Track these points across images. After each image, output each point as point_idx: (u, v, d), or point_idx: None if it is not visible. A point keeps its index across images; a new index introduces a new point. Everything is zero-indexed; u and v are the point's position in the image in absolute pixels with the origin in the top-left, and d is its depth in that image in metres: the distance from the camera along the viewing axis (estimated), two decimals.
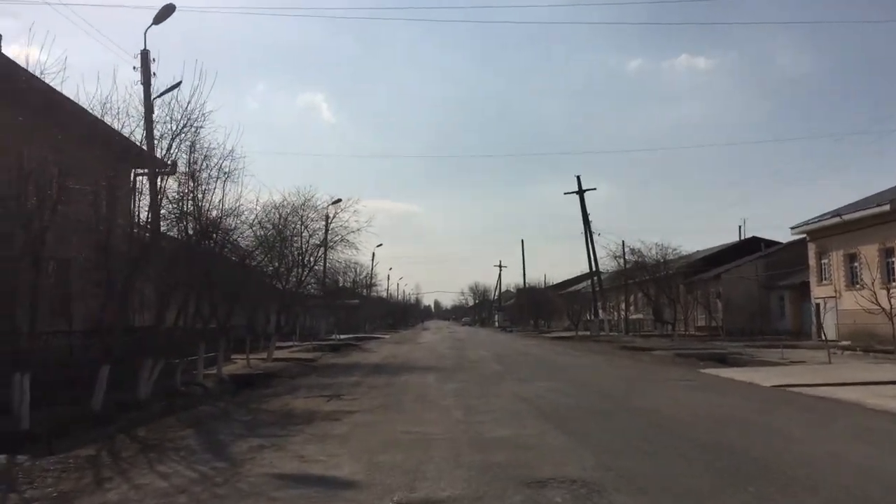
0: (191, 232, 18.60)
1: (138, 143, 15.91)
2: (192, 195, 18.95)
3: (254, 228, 25.56)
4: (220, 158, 18.66)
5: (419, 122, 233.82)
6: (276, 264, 28.98)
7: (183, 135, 16.70)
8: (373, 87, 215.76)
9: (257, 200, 28.07)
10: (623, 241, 54.95)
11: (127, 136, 15.28)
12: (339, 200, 34.78)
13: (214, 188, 19.07)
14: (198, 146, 18.25)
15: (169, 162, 18.38)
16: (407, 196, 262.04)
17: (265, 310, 32.76)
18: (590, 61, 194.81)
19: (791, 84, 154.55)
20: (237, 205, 19.79)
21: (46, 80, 12.88)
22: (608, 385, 17.17)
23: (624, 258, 54.56)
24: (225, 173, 19.14)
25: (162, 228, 17.43)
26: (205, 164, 18.61)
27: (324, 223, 33.00)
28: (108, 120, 14.80)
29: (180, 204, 18.95)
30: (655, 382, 17.89)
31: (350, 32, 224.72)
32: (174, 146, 15.61)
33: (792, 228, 43.26)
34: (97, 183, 14.72)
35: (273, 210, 28.83)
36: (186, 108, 16.32)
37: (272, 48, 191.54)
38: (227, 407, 15.46)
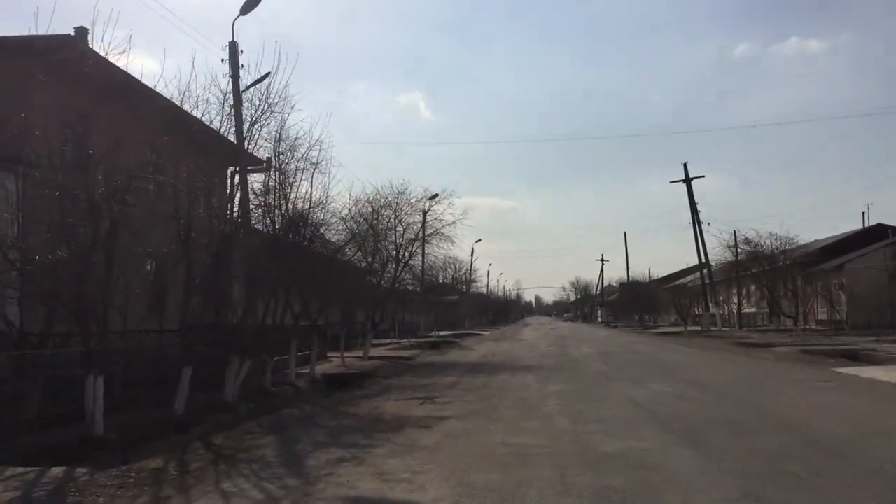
0: (277, 225, 17.87)
1: (223, 134, 15.12)
2: (279, 187, 18.28)
3: (346, 222, 24.79)
4: (307, 148, 17.81)
5: (519, 118, 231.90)
6: (370, 259, 28.15)
7: (263, 121, 15.96)
8: (473, 86, 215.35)
9: (350, 193, 27.32)
10: (735, 231, 51.92)
11: (214, 127, 14.51)
12: (436, 195, 33.67)
13: (300, 179, 18.24)
14: (283, 135, 17.54)
15: (264, 158, 17.79)
16: (505, 192, 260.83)
17: (361, 307, 32.03)
18: (696, 49, 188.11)
19: None
20: (324, 197, 18.84)
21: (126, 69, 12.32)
22: (732, 388, 15.29)
23: (736, 248, 51.50)
24: (312, 164, 18.27)
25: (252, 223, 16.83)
26: (291, 154, 17.83)
27: (419, 217, 31.95)
28: (194, 111, 14.12)
29: (266, 196, 18.29)
30: (786, 384, 15.89)
31: (451, 31, 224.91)
32: (255, 132, 14.64)
33: None
34: (178, 175, 14.03)
35: (365, 204, 28.02)
36: (266, 93, 15.55)
37: (373, 48, 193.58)
38: (313, 410, 14.52)
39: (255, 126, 15.00)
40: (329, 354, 26.32)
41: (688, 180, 55.27)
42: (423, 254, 36.52)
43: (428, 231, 33.28)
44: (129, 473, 8.31)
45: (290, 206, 18.07)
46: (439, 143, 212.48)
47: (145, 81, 13.68)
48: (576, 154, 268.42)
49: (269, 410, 14.50)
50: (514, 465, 8.11)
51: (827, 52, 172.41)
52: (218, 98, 14.78)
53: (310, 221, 18.84)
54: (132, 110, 13.11)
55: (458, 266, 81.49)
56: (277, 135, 17.41)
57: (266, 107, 16.54)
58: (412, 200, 31.35)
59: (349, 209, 25.59)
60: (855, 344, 29.30)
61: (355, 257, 25.72)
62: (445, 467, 8.13)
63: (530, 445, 9.26)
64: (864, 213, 66.61)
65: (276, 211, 17.94)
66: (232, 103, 16.44)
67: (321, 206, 18.88)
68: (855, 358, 24.18)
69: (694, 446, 8.67)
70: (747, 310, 60.41)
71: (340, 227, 23.85)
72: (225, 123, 14.76)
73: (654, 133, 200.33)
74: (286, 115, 16.32)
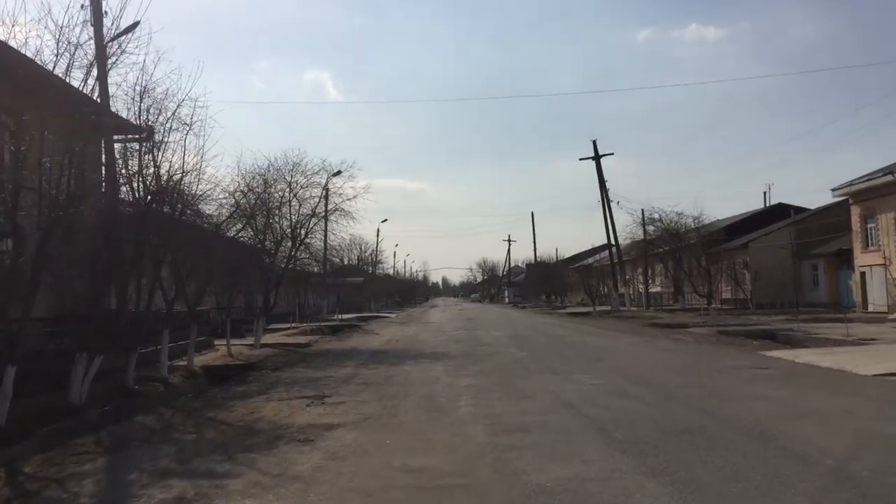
0: (140, 194, 15.01)
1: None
2: (143, 149, 15.45)
3: (233, 195, 21.86)
4: (177, 104, 14.95)
5: (428, 99, 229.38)
6: (261, 237, 25.26)
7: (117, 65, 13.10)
8: (382, 66, 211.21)
9: (238, 166, 24.35)
10: (643, 210, 51.06)
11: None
12: (339, 172, 30.73)
13: (168, 140, 15.37)
14: (148, 88, 14.66)
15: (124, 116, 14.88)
16: (414, 174, 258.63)
17: (250, 288, 29.09)
18: (600, 35, 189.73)
19: (805, 53, 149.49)
20: (199, 162, 15.96)
21: None
22: (668, 379, 13.32)
23: (644, 227, 50.69)
24: (185, 124, 15.40)
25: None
26: (158, 112, 14.96)
27: (317, 191, 29.04)
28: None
29: (127, 162, 15.42)
30: (723, 373, 14.13)
31: (359, 8, 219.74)
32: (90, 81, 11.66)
33: (833, 190, 39.42)
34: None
35: (255, 177, 25.07)
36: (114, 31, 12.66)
37: (277, 26, 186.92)
38: (174, 416, 11.83)
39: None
40: (218, 343, 23.41)
41: (597, 157, 54.21)
42: (326, 232, 33.65)
43: (328, 207, 30.41)
44: None
45: (156, 171, 15.26)
46: (341, 120, 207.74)
47: None
48: (484, 136, 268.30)
49: (121, 416, 11.78)
50: None
51: (725, 38, 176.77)
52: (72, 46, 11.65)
53: (183, 190, 15.98)
54: None
55: (363, 247, 78.90)
56: (140, 88, 14.61)
57: (118, 48, 13.75)
58: (308, 173, 28.46)
59: (238, 182, 22.75)
60: (768, 324, 28.54)
61: (243, 234, 22.87)
62: None
63: (440, 472, 6.94)
64: (765, 192, 67.56)
65: (139, 177, 15.11)
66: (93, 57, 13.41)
67: (195, 172, 16.01)
68: (773, 338, 23.24)
69: (656, 472, 6.50)
70: (653, 289, 60.08)
71: (224, 200, 20.99)
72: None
73: (561, 119, 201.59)
74: (149, 63, 13.51)
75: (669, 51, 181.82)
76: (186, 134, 15.61)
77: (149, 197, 15.07)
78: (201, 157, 15.92)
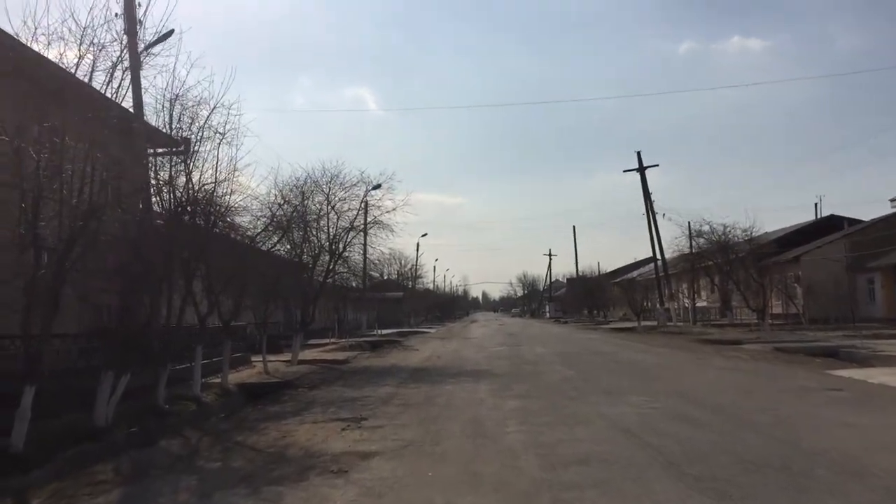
0: (171, 205, 14.44)
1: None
2: (177, 160, 15.01)
3: (269, 207, 21.26)
4: (209, 111, 14.40)
5: (465, 114, 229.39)
6: (299, 251, 24.63)
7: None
8: (420, 81, 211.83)
9: (276, 178, 23.74)
10: (689, 223, 49.45)
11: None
12: (378, 186, 29.90)
13: (198, 149, 14.82)
14: (180, 95, 14.18)
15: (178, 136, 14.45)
16: (453, 188, 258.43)
17: (288, 304, 28.44)
18: (640, 46, 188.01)
19: (850, 60, 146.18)
20: (232, 171, 15.33)
21: None
22: (733, 402, 12.19)
23: (691, 239, 49.05)
24: (219, 133, 14.83)
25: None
26: (190, 118, 14.44)
27: (355, 203, 28.31)
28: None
29: (157, 171, 14.89)
30: (793, 395, 12.98)
31: (394, 25, 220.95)
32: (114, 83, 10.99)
33: (893, 200, 37.69)
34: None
35: (293, 189, 24.43)
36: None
37: (318, 43, 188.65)
38: (201, 440, 11.09)
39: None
40: (255, 359, 22.72)
41: (641, 169, 52.87)
42: (365, 246, 32.96)
43: (367, 220, 29.66)
44: None
45: (187, 180, 14.72)
46: (380, 136, 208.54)
47: None
48: (524, 149, 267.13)
49: (148, 439, 11.08)
50: None
51: (767, 50, 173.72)
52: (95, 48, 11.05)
53: (215, 201, 15.37)
54: None
55: (403, 261, 78.34)
56: (171, 95, 14.11)
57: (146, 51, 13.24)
58: (347, 185, 27.77)
59: (274, 195, 22.14)
60: (826, 340, 27.07)
61: (279, 248, 22.24)
62: None
63: None
64: (816, 204, 65.41)
65: (170, 187, 14.57)
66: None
67: (227, 182, 15.39)
68: (835, 356, 21.90)
69: None
70: (699, 304, 58.33)
71: (260, 212, 20.38)
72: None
73: (601, 127, 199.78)
74: (180, 68, 12.95)
75: (711, 62, 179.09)
76: (220, 143, 15.07)
77: (179, 208, 14.51)
78: (234, 166, 15.30)
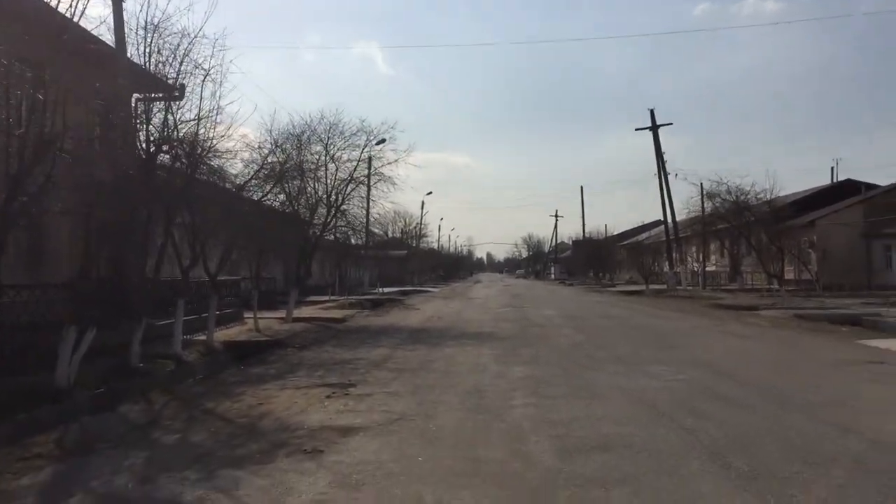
0: (147, 145, 13.08)
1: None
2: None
3: (260, 150, 19.70)
4: (189, 42, 12.91)
5: (476, 73, 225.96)
6: (294, 203, 23.21)
7: None
8: (429, 38, 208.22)
9: (271, 125, 22.26)
10: (701, 183, 47.65)
11: None
12: (383, 141, 28.35)
13: (181, 83, 13.39)
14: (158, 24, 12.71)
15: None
16: (460, 148, 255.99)
17: (287, 259, 27.10)
18: (656, 8, 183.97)
19: (870, 25, 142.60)
20: (215, 110, 13.83)
21: None
22: (768, 376, 10.74)
23: (703, 201, 47.37)
24: (202, 68, 13.38)
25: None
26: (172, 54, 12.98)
27: (355, 153, 26.79)
28: None
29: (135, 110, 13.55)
30: (833, 368, 11.62)
31: None
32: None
33: None
34: None
35: (289, 137, 22.87)
36: None
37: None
38: (166, 406, 9.82)
39: None
40: (249, 316, 21.42)
41: (654, 127, 51.04)
42: (368, 200, 31.51)
43: (365, 172, 28.14)
44: None
45: (166, 116, 13.32)
46: (387, 94, 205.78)
47: None
48: (534, 111, 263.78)
49: (108, 404, 9.83)
50: None
51: (785, 12, 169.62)
52: None
53: (200, 142, 13.93)
54: None
55: (408, 220, 76.98)
56: (147, 22, 12.65)
57: None
58: (347, 134, 26.26)
59: (270, 144, 20.61)
60: (846, 307, 25.78)
61: (272, 198, 20.81)
62: None
63: None
64: (832, 167, 63.61)
65: (145, 125, 13.23)
66: None
67: (209, 119, 13.91)
68: (859, 324, 20.57)
69: None
70: (708, 268, 56.85)
71: (251, 159, 18.88)
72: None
73: (614, 89, 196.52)
74: None
75: (727, 24, 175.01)
76: (204, 79, 13.65)
77: (157, 147, 13.13)
78: (217, 104, 13.83)
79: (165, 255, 14.02)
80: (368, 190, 30.03)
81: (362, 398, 9.61)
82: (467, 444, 6.85)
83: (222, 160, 15.14)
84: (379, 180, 29.18)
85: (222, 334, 17.94)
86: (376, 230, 51.04)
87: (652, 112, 51.26)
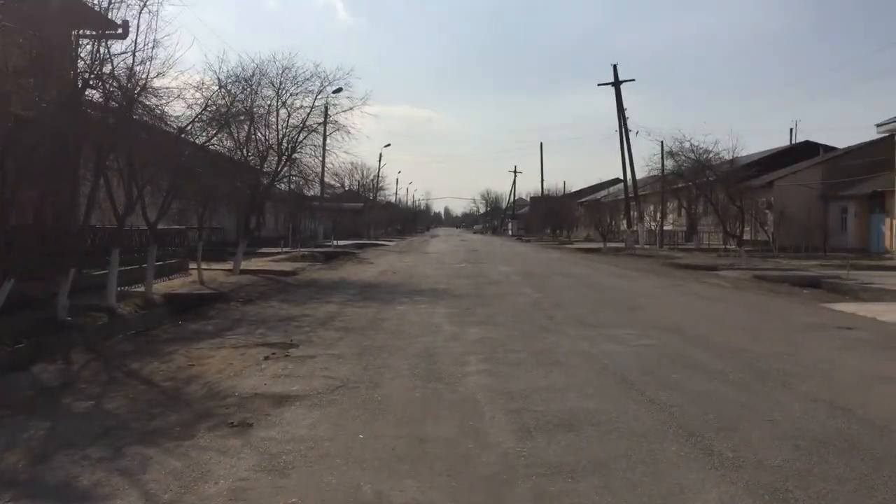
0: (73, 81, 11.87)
1: None
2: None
3: (201, 90, 18.36)
4: None
5: (439, 26, 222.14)
6: (243, 149, 22.01)
7: None
8: None
9: (218, 69, 20.91)
10: (662, 141, 47.15)
11: None
12: (339, 90, 26.95)
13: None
14: None
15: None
16: (422, 101, 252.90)
17: (237, 208, 25.89)
18: None
19: None
20: (149, 45, 12.64)
21: None
22: (738, 341, 10.10)
23: (663, 160, 46.97)
24: None
25: None
26: None
27: (308, 100, 25.48)
28: None
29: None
30: (802, 333, 11.08)
31: None
32: None
33: (878, 125, 35.75)
34: None
35: (238, 80, 21.51)
36: None
37: None
38: (85, 367, 8.89)
39: None
40: (194, 267, 20.25)
41: (617, 83, 50.25)
42: (324, 150, 30.20)
43: (319, 119, 26.83)
44: None
45: (95, 49, 12.15)
46: (348, 45, 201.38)
47: None
48: (497, 66, 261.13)
49: (22, 362, 8.86)
50: None
51: None
52: None
53: (133, 78, 12.73)
54: None
55: (364, 172, 75.52)
56: None
57: None
58: (300, 80, 24.92)
59: (215, 82, 19.27)
60: (804, 269, 25.53)
61: (218, 144, 19.57)
62: None
63: None
64: (791, 129, 63.77)
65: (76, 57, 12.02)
66: None
67: (144, 53, 12.72)
68: (818, 286, 20.34)
69: None
70: (666, 227, 56.80)
71: (194, 101, 17.59)
72: None
73: (575, 47, 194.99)
74: None
75: None
76: (140, 11, 12.50)
77: (80, 83, 11.92)
78: (154, 38, 12.67)
79: (97, 201, 12.98)
80: (324, 139, 28.75)
81: (303, 361, 8.79)
82: (415, 420, 6.07)
83: (161, 100, 13.95)
84: (335, 130, 27.90)
85: (164, 286, 16.93)
86: (332, 181, 49.74)
87: (615, 67, 50.50)
